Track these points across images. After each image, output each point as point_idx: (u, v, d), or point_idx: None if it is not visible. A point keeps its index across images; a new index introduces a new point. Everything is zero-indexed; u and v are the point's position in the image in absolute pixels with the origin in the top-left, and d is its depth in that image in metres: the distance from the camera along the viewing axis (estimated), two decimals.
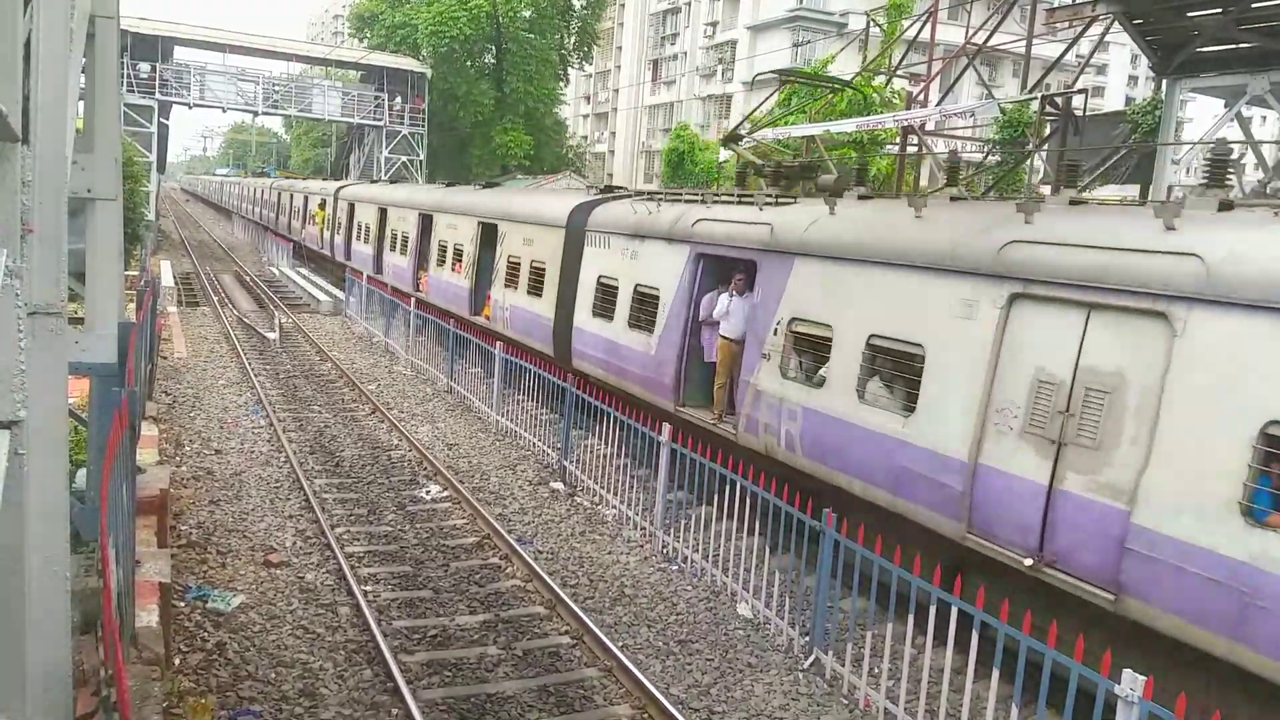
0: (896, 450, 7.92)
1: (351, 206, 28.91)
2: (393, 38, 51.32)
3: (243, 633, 7.63)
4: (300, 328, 23.42)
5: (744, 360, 10.09)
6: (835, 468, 8.65)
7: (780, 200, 10.72)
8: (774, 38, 53.66)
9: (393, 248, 23.87)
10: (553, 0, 51.72)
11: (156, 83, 42.90)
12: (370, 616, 7.89)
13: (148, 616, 6.24)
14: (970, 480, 7.19)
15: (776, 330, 9.54)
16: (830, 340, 8.90)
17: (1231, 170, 7.39)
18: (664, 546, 9.94)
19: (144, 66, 42.24)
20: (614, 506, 11.03)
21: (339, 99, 50.35)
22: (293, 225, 40.19)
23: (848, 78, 25.56)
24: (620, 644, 7.71)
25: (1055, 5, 16.90)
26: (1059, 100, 16.09)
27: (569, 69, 57.38)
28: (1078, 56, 25.38)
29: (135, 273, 20.85)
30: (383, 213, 25.05)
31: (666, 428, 10.07)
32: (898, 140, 22.72)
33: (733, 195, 11.61)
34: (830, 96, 23.79)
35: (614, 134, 73.91)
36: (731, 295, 10.61)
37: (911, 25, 24.43)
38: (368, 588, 8.66)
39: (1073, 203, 7.84)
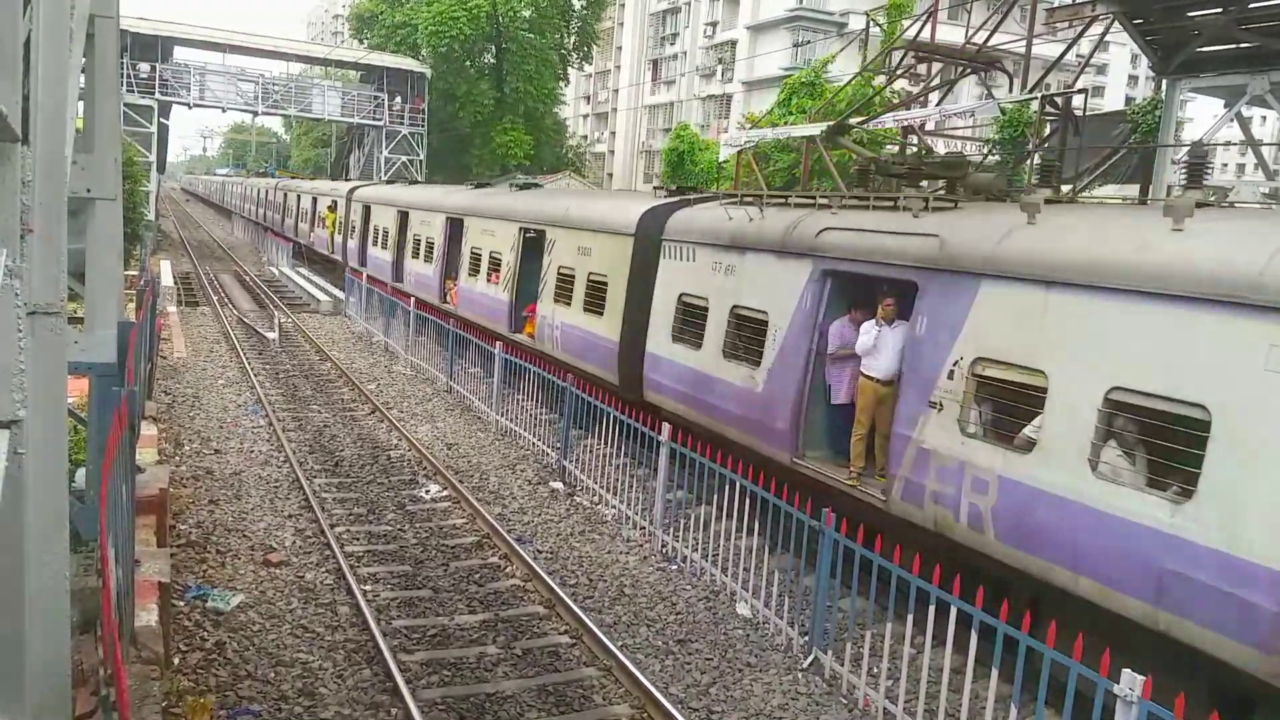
0: (1159, 547, 5.94)
1: (367, 209, 27.14)
2: (392, 38, 51.33)
3: (242, 632, 7.64)
4: (300, 327, 23.42)
5: (898, 408, 8.01)
6: (1052, 559, 6.64)
7: (938, 205, 8.63)
8: (774, 38, 53.66)
9: (415, 255, 22.00)
10: (553, 0, 51.72)
11: (156, 83, 42.91)
12: (370, 616, 7.89)
13: (147, 616, 6.24)
14: None
15: (952, 373, 7.45)
16: (1043, 391, 6.84)
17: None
18: (663, 546, 9.95)
19: (144, 66, 42.25)
20: (613, 506, 11.03)
21: (339, 99, 50.36)
22: (299, 228, 38.46)
23: (847, 77, 25.57)
24: (619, 643, 7.71)
25: (1055, 5, 16.91)
26: (1059, 100, 16.08)
27: (569, 69, 57.38)
28: (1078, 56, 25.39)
29: (135, 272, 20.85)
30: (403, 216, 23.23)
31: (666, 428, 10.07)
32: (897, 140, 22.70)
33: (862, 197, 9.65)
34: (830, 96, 23.77)
35: (614, 134, 73.90)
36: (879, 325, 8.64)
37: (911, 25, 24.43)
38: (367, 587, 8.66)
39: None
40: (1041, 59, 22.87)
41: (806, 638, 7.76)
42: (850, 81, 26.20)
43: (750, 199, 11.07)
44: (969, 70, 15.23)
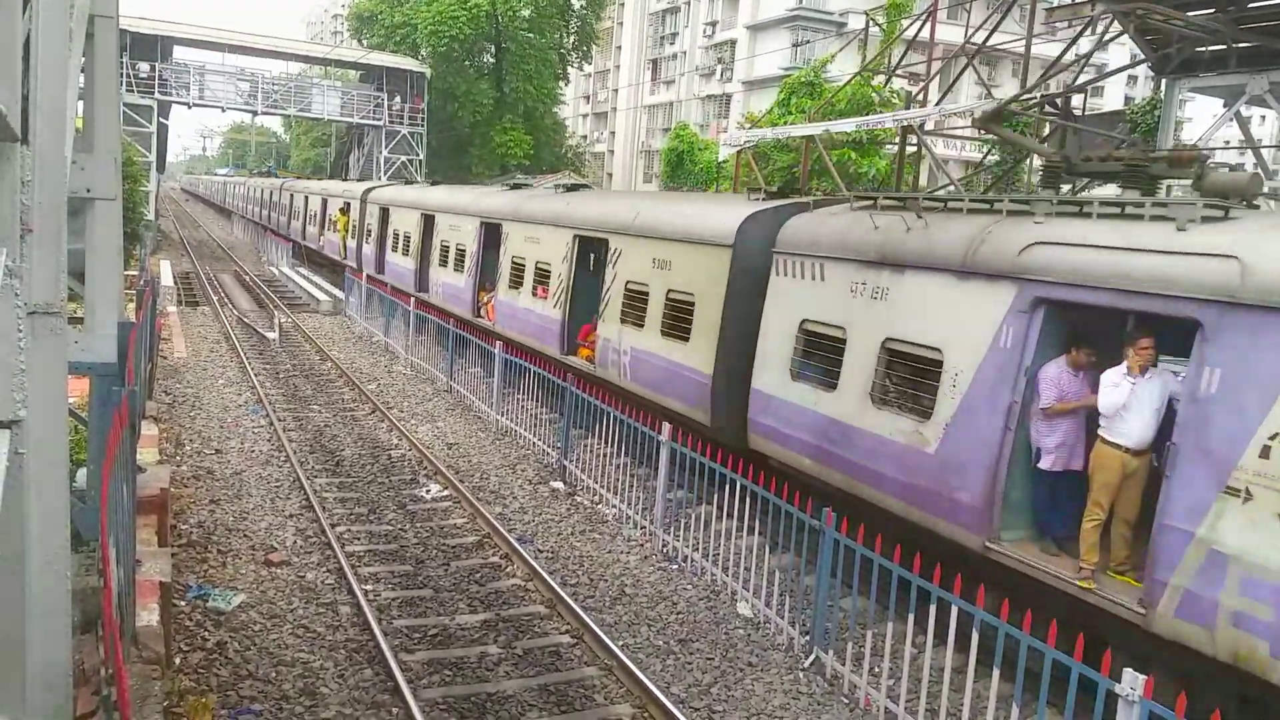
0: None
1: (385, 212, 25.09)
2: (392, 37, 51.37)
3: (243, 632, 7.64)
4: (300, 327, 23.42)
5: (1170, 490, 6.10)
6: None
7: (1208, 214, 6.49)
8: (773, 37, 53.68)
9: (443, 263, 19.83)
10: (552, 0, 51.74)
11: (156, 82, 42.95)
12: (370, 615, 7.89)
13: (148, 616, 6.24)
14: None
15: (1268, 450, 5.58)
16: None
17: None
18: (664, 545, 9.95)
19: (143, 66, 42.29)
20: (614, 505, 11.03)
21: (338, 99, 50.40)
22: (308, 231, 36.48)
23: (847, 77, 25.58)
24: (620, 643, 7.71)
25: (1055, 4, 16.92)
26: (1058, 100, 16.07)
27: (568, 69, 57.41)
28: (1077, 56, 25.40)
29: (135, 272, 20.85)
30: (428, 220, 21.27)
31: (666, 427, 10.06)
32: (896, 140, 22.72)
33: (1074, 202, 7.69)
34: (829, 96, 23.72)
35: (613, 134, 73.92)
36: (1130, 375, 6.71)
37: (911, 25, 24.43)
38: (368, 587, 8.66)
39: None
40: (1041, 58, 22.91)
41: (807, 637, 7.76)
42: (850, 81, 26.19)
43: (898, 201, 9.13)
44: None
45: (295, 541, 9.70)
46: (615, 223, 13.14)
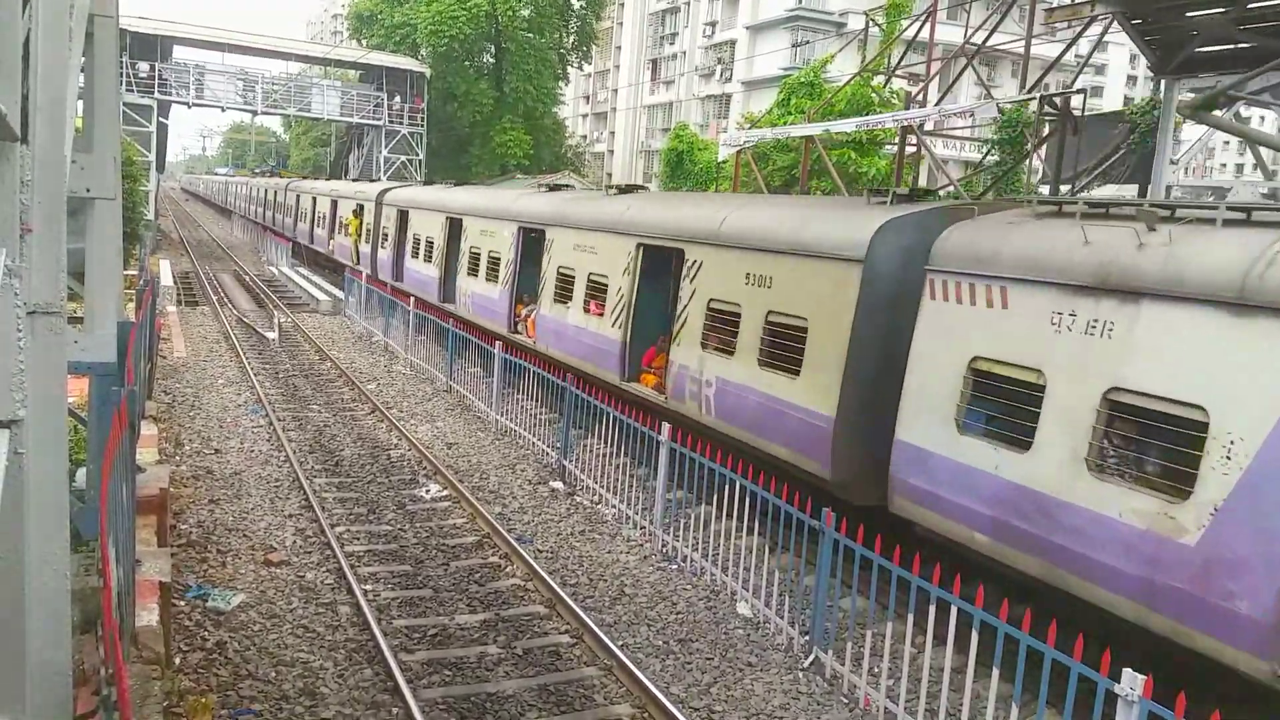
0: None
1: (403, 215, 23.31)
2: (392, 37, 51.40)
3: (243, 632, 7.64)
4: (300, 327, 23.42)
5: None
6: None
7: None
8: (773, 38, 53.70)
9: (472, 272, 18.05)
10: (551, 0, 51.78)
11: (155, 82, 42.98)
12: (370, 615, 7.89)
13: (148, 616, 6.25)
14: None
15: None
16: None
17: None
18: (663, 545, 9.95)
19: (143, 66, 42.31)
20: (613, 505, 11.03)
21: (338, 98, 50.43)
22: (315, 234, 34.75)
23: (846, 77, 25.58)
24: (620, 643, 7.71)
25: (1054, 5, 16.93)
26: (1058, 100, 16.10)
27: (568, 69, 57.44)
28: (1076, 56, 25.40)
29: (134, 272, 20.85)
30: (454, 225, 19.46)
31: (666, 427, 10.06)
32: (896, 140, 22.74)
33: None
34: (829, 97, 23.67)
35: (613, 134, 73.95)
36: None
37: (910, 25, 24.45)
38: (368, 587, 8.66)
39: None
40: (1041, 59, 22.92)
41: (807, 637, 7.76)
42: (849, 82, 26.21)
43: (1105, 209, 7.39)
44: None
45: (295, 541, 9.70)
46: (694, 230, 11.34)
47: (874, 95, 29.63)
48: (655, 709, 6.78)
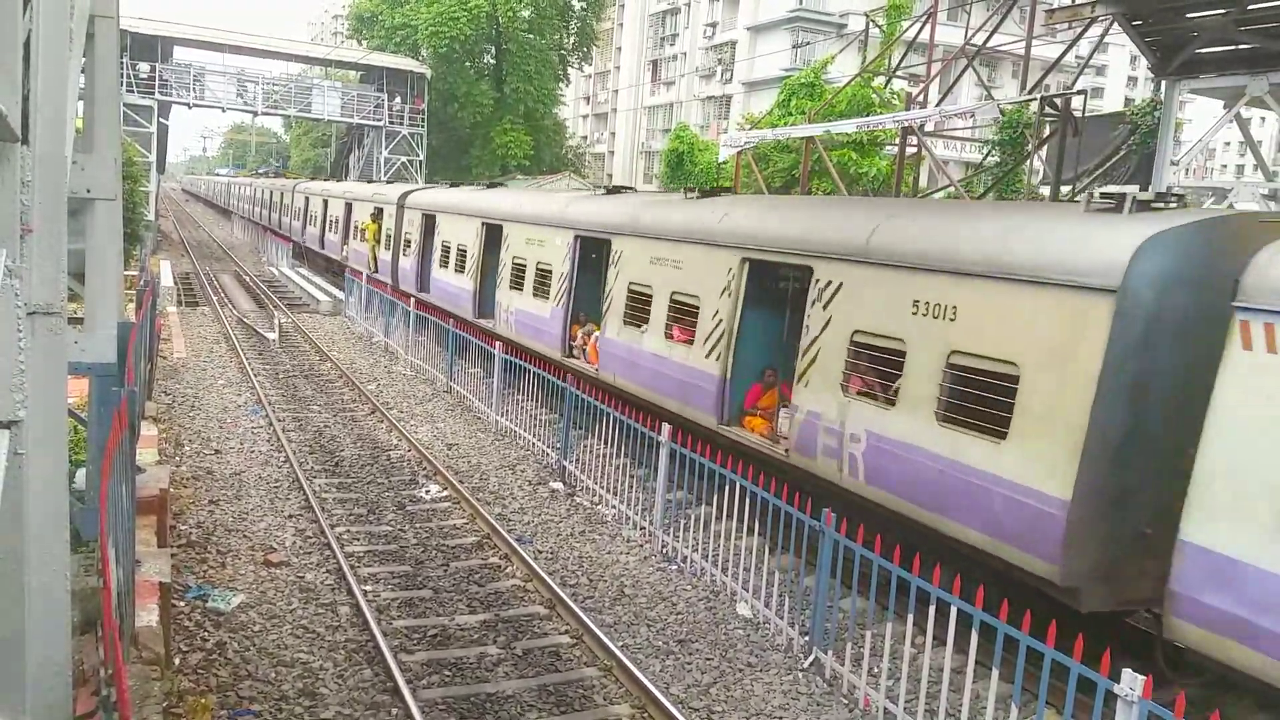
0: None
1: (428, 220, 21.29)
2: (392, 38, 51.44)
3: (242, 632, 7.64)
4: (300, 327, 23.43)
5: None
6: None
7: None
8: (773, 38, 53.70)
9: (516, 285, 15.98)
10: (552, 0, 51.81)
11: (156, 83, 42.98)
12: (370, 616, 7.89)
13: (148, 616, 6.25)
14: None
15: None
16: None
17: None
18: (663, 546, 9.95)
19: (143, 66, 42.32)
20: (613, 506, 11.03)
21: (339, 99, 50.43)
22: (326, 239, 32.75)
23: (847, 78, 25.58)
24: (620, 643, 7.71)
25: (1054, 6, 16.94)
26: (1058, 101, 16.10)
27: (569, 69, 57.48)
28: (1077, 57, 25.41)
29: (134, 273, 20.86)
30: (493, 231, 17.39)
31: (666, 427, 10.06)
32: (896, 141, 22.74)
33: None
34: (829, 98, 23.61)
35: (614, 134, 73.97)
36: None
37: (911, 26, 24.46)
38: (367, 587, 8.66)
39: None
40: (1041, 60, 22.93)
41: (807, 638, 7.76)
42: (850, 83, 26.21)
43: None
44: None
45: (294, 542, 9.70)
46: (828, 243, 9.24)
47: (874, 96, 29.65)
48: (655, 709, 6.78)
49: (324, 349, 20.72)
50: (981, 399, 7.31)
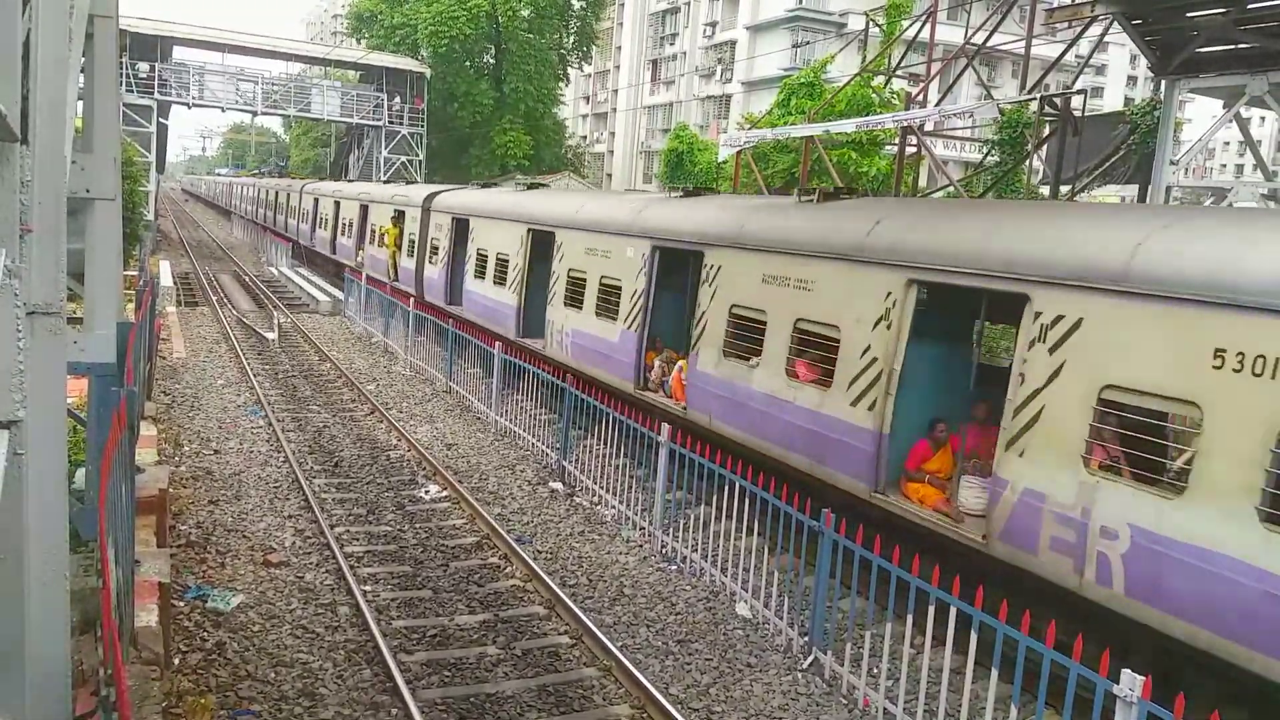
0: None
1: (460, 225, 19.34)
2: (392, 37, 51.44)
3: (242, 632, 7.64)
4: (299, 327, 23.42)
5: None
6: None
7: None
8: (773, 38, 53.71)
9: (572, 302, 13.98)
10: (552, 0, 51.81)
11: (155, 82, 42.95)
12: (370, 616, 7.89)
13: (147, 616, 6.24)
14: None
15: None
16: None
17: None
18: (663, 546, 9.95)
19: (143, 66, 42.28)
20: (613, 506, 11.03)
21: (338, 99, 50.40)
22: (339, 244, 30.82)
23: (846, 78, 25.57)
24: (619, 644, 7.71)
25: (1054, 5, 16.94)
26: (1058, 101, 16.10)
27: (568, 69, 57.47)
28: (1077, 57, 25.42)
29: (134, 273, 20.85)
30: (541, 239, 15.49)
31: (666, 427, 10.06)
32: (896, 141, 22.74)
33: None
34: (829, 97, 23.55)
35: (613, 134, 73.95)
36: None
37: (911, 25, 24.46)
38: (367, 587, 8.66)
39: None
40: (1041, 59, 22.94)
41: (806, 638, 7.76)
42: (850, 82, 26.20)
43: None
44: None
45: (294, 542, 9.70)
46: (1050, 265, 7.14)
47: (874, 96, 29.63)
48: (654, 709, 6.78)
49: (323, 349, 20.71)
50: None
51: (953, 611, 6.27)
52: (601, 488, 11.38)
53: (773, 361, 9.72)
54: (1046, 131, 17.56)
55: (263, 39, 49.73)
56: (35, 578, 3.56)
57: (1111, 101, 64.52)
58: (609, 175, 69.88)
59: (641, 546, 10.11)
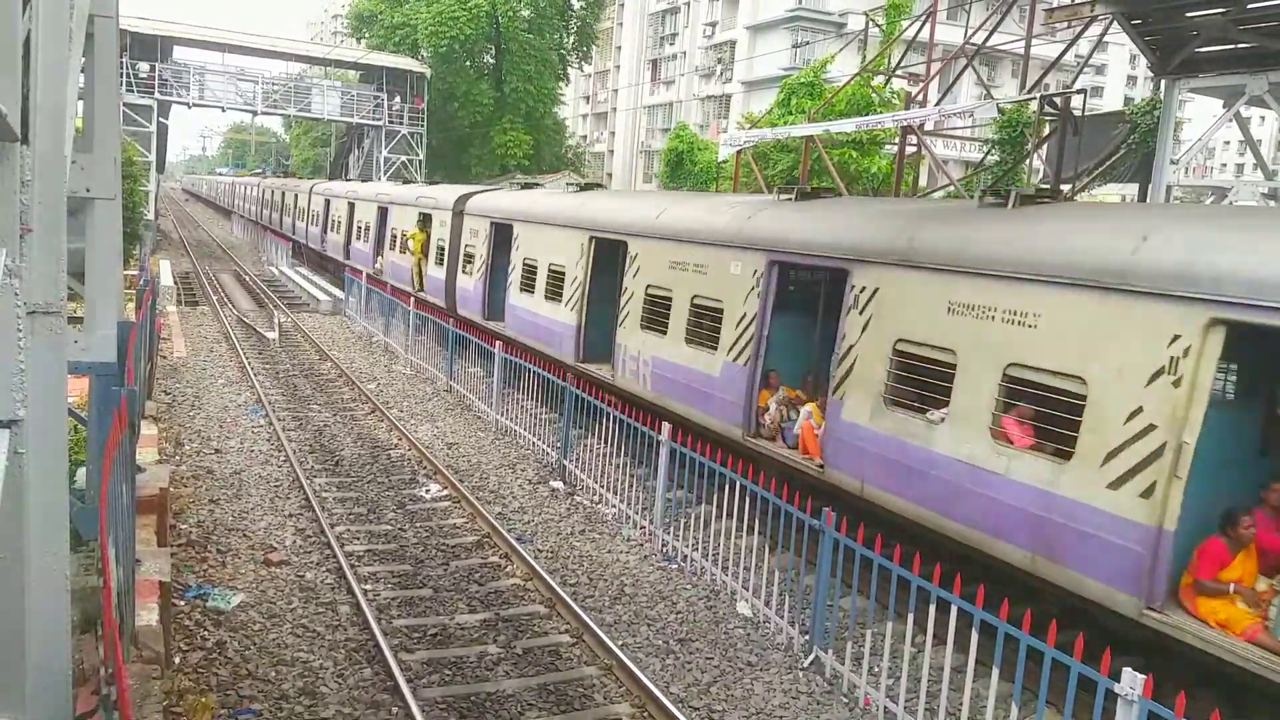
0: None
1: (501, 230, 17.23)
2: (392, 37, 51.47)
3: (242, 631, 7.64)
4: (299, 327, 23.43)
5: None
6: None
7: None
8: (773, 38, 53.71)
9: (652, 326, 12.00)
10: (552, 0, 51.83)
11: (156, 82, 42.94)
12: (370, 615, 7.89)
13: (148, 615, 6.25)
14: None
15: None
16: None
17: None
18: (664, 545, 9.95)
19: (143, 66, 42.28)
20: (613, 505, 11.03)
21: (338, 99, 50.40)
22: (353, 249, 28.59)
23: (846, 78, 25.57)
24: (620, 642, 7.71)
25: (1054, 5, 16.94)
26: (1058, 100, 16.09)
27: (568, 69, 57.49)
28: (1077, 56, 25.42)
29: (134, 272, 20.85)
30: (607, 249, 13.55)
31: (666, 427, 10.06)
32: (896, 140, 22.74)
33: None
34: (829, 97, 23.53)
35: (613, 134, 73.96)
36: None
37: (910, 25, 24.46)
38: (367, 586, 8.67)
39: None
40: (1041, 59, 22.93)
41: (807, 637, 7.76)
42: (850, 82, 26.20)
43: None
44: None
45: (294, 541, 9.70)
46: None
47: (874, 95, 29.64)
48: (655, 708, 6.79)
49: (324, 348, 20.71)
50: None
51: (954, 610, 6.28)
52: (602, 486, 11.39)
53: (968, 417, 7.52)
54: (1046, 131, 17.56)
55: (263, 39, 49.71)
56: (35, 577, 3.56)
57: (1111, 101, 64.51)
58: (609, 175, 69.89)
59: (642, 545, 10.12)
